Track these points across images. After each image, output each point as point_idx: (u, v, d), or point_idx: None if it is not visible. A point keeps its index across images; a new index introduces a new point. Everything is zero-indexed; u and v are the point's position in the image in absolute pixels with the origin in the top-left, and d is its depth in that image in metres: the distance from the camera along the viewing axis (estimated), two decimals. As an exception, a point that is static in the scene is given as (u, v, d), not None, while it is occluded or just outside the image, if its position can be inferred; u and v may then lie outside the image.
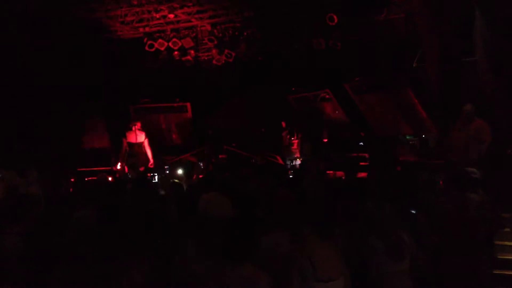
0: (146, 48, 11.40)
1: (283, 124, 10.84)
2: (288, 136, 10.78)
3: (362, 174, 7.69)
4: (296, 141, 10.74)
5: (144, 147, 9.95)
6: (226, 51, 11.51)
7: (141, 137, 10.00)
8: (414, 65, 10.70)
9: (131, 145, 9.89)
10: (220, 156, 10.51)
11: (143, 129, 10.07)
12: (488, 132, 6.71)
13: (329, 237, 3.15)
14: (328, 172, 7.56)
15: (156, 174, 6.85)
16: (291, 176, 6.73)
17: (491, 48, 8.11)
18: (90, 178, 7.94)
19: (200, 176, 6.97)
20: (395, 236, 3.45)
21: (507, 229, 4.72)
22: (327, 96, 11.21)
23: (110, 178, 7.15)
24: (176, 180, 6.02)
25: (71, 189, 6.85)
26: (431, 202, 4.60)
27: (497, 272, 4.63)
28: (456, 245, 4.02)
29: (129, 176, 8.12)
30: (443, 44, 9.43)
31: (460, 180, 4.45)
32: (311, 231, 3.15)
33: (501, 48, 7.76)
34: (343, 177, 7.14)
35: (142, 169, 8.70)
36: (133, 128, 9.82)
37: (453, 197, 4.37)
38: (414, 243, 3.58)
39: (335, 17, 10.00)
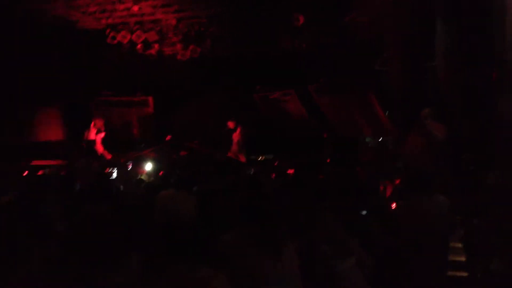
0: (108, 40, 11.11)
1: (230, 124, 10.70)
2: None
3: (322, 176, 7.76)
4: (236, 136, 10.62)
5: (96, 144, 9.90)
6: (191, 46, 11.36)
7: (96, 135, 9.94)
8: (376, 68, 10.91)
9: (88, 142, 9.69)
10: (181, 153, 10.36)
11: (99, 125, 10.02)
12: (444, 135, 6.87)
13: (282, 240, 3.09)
14: (289, 171, 7.56)
15: (115, 169, 6.65)
16: (252, 175, 6.70)
17: (451, 54, 8.35)
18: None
19: (161, 173, 6.85)
20: (340, 238, 3.45)
21: (461, 232, 4.84)
22: (291, 96, 11.25)
23: (62, 173, 6.91)
24: (140, 177, 5.92)
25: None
26: (385, 204, 4.68)
27: (449, 274, 4.74)
28: (413, 246, 4.09)
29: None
30: (405, 49, 9.64)
31: (417, 182, 4.52)
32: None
33: (461, 54, 8.00)
34: (304, 177, 7.15)
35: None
36: (91, 125, 9.65)
37: (410, 199, 4.45)
38: (358, 244, 3.58)
39: (301, 18, 10.04)
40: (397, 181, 6.14)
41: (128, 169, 8.52)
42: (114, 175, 6.55)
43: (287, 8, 10.17)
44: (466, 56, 7.65)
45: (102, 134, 10.27)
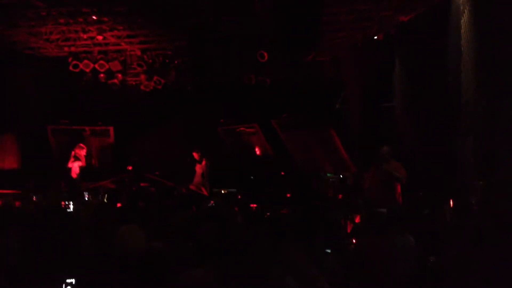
0: (71, 68, 10.95)
1: (195, 155, 10.69)
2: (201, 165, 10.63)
3: (284, 211, 7.78)
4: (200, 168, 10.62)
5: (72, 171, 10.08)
6: (155, 77, 11.34)
7: (72, 163, 10.26)
8: (337, 106, 11.23)
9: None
10: (141, 185, 10.17)
11: (79, 154, 10.37)
12: (404, 174, 7.08)
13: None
14: (251, 206, 7.56)
15: (71, 202, 6.39)
16: (214, 209, 6.64)
17: (407, 95, 8.72)
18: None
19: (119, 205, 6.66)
20: (308, 275, 3.46)
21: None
22: (254, 131, 11.36)
23: (16, 203, 6.61)
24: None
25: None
26: (346, 241, 4.72)
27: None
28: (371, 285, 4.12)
29: None
30: (364, 89, 10.00)
31: (377, 221, 4.59)
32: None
33: (416, 95, 8.36)
34: (267, 212, 7.16)
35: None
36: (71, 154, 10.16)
37: (370, 237, 4.50)
38: (325, 282, 3.60)
39: (265, 54, 10.28)
40: (357, 219, 6.24)
41: (85, 199, 8.26)
42: (71, 207, 6.31)
43: (252, 44, 10.39)
44: (422, 98, 8.00)
45: (80, 163, 10.14)
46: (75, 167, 10.27)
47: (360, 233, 5.12)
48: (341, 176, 10.20)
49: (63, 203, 6.42)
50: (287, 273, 3.37)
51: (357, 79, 10.12)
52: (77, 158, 10.33)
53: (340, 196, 9.30)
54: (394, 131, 9.21)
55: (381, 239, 4.30)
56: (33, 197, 7.50)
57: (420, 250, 4.43)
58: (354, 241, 5.05)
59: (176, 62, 11.14)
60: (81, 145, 10.64)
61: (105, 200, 6.41)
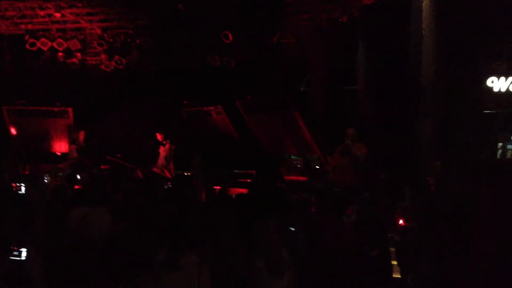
0: (27, 46, 10.52)
1: (159, 136, 10.54)
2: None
3: (245, 190, 7.79)
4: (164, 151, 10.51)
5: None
6: (116, 57, 11.04)
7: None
8: (301, 89, 11.25)
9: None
10: (102, 167, 9.93)
11: (75, 136, 10.27)
12: (365, 153, 7.17)
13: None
14: (214, 187, 7.51)
15: (23, 184, 6.14)
16: (175, 191, 6.55)
17: (370, 78, 8.81)
18: None
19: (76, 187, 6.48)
20: (276, 254, 3.48)
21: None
22: (219, 112, 11.25)
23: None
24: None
25: None
26: (308, 220, 4.77)
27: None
28: (329, 264, 4.18)
29: None
30: (329, 72, 10.04)
31: (330, 201, 4.65)
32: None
33: (379, 78, 8.46)
34: (228, 193, 7.14)
35: None
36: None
37: (325, 218, 4.55)
38: (291, 260, 3.64)
39: (230, 35, 10.15)
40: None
41: (40, 183, 7.98)
42: (23, 190, 6.07)
43: (217, 25, 10.23)
44: (385, 80, 8.10)
45: (75, 146, 10.03)
46: (71, 150, 10.02)
47: (316, 212, 5.18)
48: (305, 158, 10.28)
49: (14, 185, 6.17)
50: (256, 253, 3.38)
51: (321, 61, 10.15)
52: (73, 142, 10.04)
53: (304, 178, 9.37)
54: (357, 113, 9.32)
55: (331, 218, 4.36)
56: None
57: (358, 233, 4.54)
58: (314, 220, 5.10)
59: (138, 41, 10.87)
60: (82, 131, 10.33)
61: (63, 183, 6.20)
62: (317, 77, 10.47)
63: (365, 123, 8.75)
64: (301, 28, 10.40)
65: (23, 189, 6.00)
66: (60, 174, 8.10)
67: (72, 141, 10.22)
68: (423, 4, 6.70)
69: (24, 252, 2.91)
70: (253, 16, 9.09)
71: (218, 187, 7.55)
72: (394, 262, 4.91)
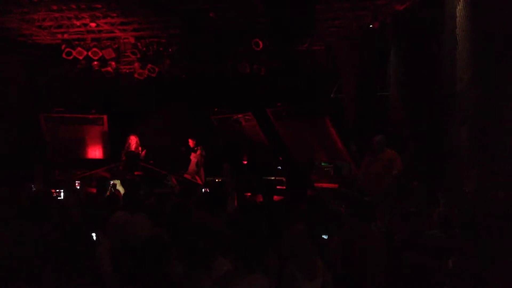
0: (64, 55, 10.84)
1: (191, 142, 10.70)
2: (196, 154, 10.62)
3: (278, 198, 7.78)
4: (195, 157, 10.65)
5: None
6: (149, 65, 11.26)
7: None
8: (332, 96, 11.19)
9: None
10: (135, 173, 10.13)
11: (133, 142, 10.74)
12: (400, 162, 7.08)
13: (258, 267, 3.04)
14: (246, 194, 7.55)
15: (62, 190, 6.34)
16: (208, 197, 6.61)
17: (403, 84, 8.68)
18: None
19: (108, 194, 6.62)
20: (310, 260, 3.49)
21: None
22: (249, 119, 11.32)
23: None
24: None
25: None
26: (339, 228, 4.74)
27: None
28: (361, 272, 4.14)
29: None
30: (359, 78, 9.96)
31: (359, 210, 4.61)
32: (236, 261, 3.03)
33: (411, 84, 8.33)
34: (261, 200, 7.16)
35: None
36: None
37: (356, 226, 4.51)
38: (325, 267, 3.64)
39: (260, 42, 10.21)
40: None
41: (77, 188, 8.20)
42: (62, 195, 6.26)
43: (247, 33, 10.31)
44: (418, 86, 7.97)
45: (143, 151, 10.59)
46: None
47: (347, 221, 5.14)
48: (336, 165, 10.20)
49: (53, 190, 6.37)
50: (290, 261, 3.39)
51: (352, 67, 10.08)
52: (129, 147, 10.39)
53: (335, 185, 9.30)
54: (389, 120, 9.19)
55: (362, 226, 4.33)
56: (30, 185, 7.43)
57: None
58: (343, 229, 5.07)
59: (170, 50, 11.04)
60: (134, 135, 10.80)
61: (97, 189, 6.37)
62: (348, 83, 10.39)
63: (397, 129, 8.63)
64: (331, 34, 10.36)
65: (62, 194, 6.18)
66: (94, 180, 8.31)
67: (128, 147, 10.60)
68: (457, 10, 6.57)
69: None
70: (283, 23, 9.13)
71: (249, 194, 7.59)
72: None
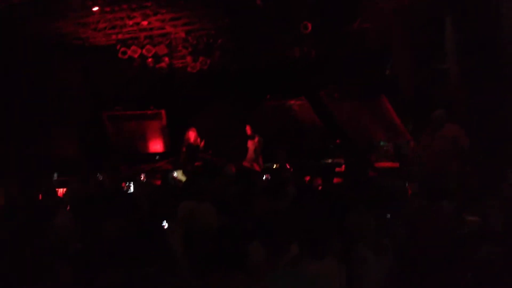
0: (119, 55, 11.24)
1: (248, 130, 10.80)
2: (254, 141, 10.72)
3: (338, 180, 7.75)
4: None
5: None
6: (201, 58, 11.46)
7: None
8: (386, 73, 10.89)
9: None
10: (196, 164, 10.42)
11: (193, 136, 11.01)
12: (465, 137, 6.80)
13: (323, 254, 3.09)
14: (304, 178, 7.56)
15: (131, 183, 6.70)
16: (268, 184, 6.70)
17: (462, 56, 8.31)
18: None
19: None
20: (375, 240, 3.49)
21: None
22: (302, 104, 11.27)
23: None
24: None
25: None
26: (402, 207, 4.68)
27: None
28: (428, 252, 4.06)
29: None
30: (414, 52, 9.63)
31: (431, 189, 4.51)
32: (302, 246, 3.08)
33: (470, 56, 7.96)
34: (320, 184, 7.16)
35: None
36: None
37: (424, 205, 4.42)
38: (390, 247, 3.62)
39: (309, 25, 10.09)
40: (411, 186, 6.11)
41: (143, 181, 8.57)
42: (132, 189, 6.61)
43: (295, 16, 10.22)
44: (478, 56, 7.61)
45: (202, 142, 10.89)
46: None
47: (414, 200, 5.05)
48: (395, 143, 9.96)
49: (123, 184, 6.70)
50: (358, 242, 3.41)
51: (406, 42, 9.76)
52: (188, 141, 10.76)
53: (395, 164, 9.11)
54: (449, 94, 8.84)
55: (432, 206, 4.24)
56: (99, 179, 7.84)
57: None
58: (412, 207, 4.98)
59: (220, 41, 11.18)
60: (192, 129, 11.04)
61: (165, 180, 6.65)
62: (402, 58, 10.09)
63: (457, 104, 8.30)
64: (382, 10, 10.05)
65: (131, 188, 6.49)
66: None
67: (187, 141, 10.90)
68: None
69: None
70: (331, 3, 8.98)
71: (307, 178, 7.60)
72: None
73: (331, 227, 3.49)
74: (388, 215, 4.27)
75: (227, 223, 3.31)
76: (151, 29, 11.08)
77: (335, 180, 7.70)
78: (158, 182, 8.06)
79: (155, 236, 3.17)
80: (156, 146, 12.14)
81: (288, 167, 9.59)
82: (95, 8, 9.43)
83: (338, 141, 10.74)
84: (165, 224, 3.28)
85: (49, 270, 2.92)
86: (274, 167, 10.37)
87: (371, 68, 10.48)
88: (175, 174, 7.33)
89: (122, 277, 2.83)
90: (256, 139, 10.63)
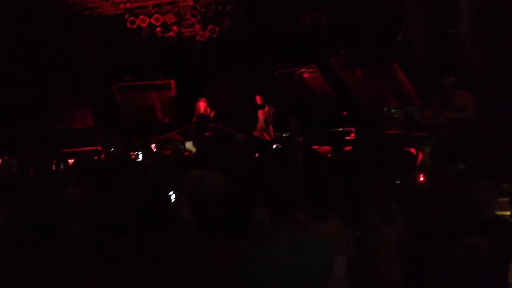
0: (128, 24, 11.17)
1: (258, 99, 10.74)
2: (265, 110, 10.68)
3: (348, 148, 7.72)
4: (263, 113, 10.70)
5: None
6: (210, 26, 11.33)
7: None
8: (399, 38, 10.67)
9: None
10: (206, 134, 10.45)
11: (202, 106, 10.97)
12: (473, 104, 6.72)
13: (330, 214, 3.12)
14: (314, 147, 7.55)
15: (140, 152, 6.76)
16: (279, 152, 6.72)
17: (476, 19, 8.09)
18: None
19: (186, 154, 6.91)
20: (386, 206, 3.51)
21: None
22: (312, 71, 11.15)
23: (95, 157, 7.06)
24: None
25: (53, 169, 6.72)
26: (413, 173, 4.66)
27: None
28: (443, 216, 4.06)
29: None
30: (427, 16, 9.40)
31: (446, 153, 4.48)
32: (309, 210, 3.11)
33: (486, 18, 7.74)
34: (330, 152, 7.15)
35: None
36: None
37: (440, 170, 4.40)
38: (401, 214, 3.63)
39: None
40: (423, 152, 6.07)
41: (153, 151, 8.64)
42: (140, 157, 6.66)
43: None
44: (493, 20, 7.40)
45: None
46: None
47: (427, 165, 5.02)
48: (406, 110, 9.85)
49: (132, 153, 6.76)
50: (368, 208, 3.44)
51: (418, 5, 9.52)
52: (198, 111, 10.80)
53: (407, 131, 9.03)
54: (462, 59, 8.65)
55: (447, 170, 4.21)
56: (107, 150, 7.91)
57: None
58: (422, 174, 4.97)
59: (228, 8, 11.02)
60: (202, 99, 11.00)
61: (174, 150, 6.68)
62: (414, 23, 9.85)
63: (470, 68, 8.12)
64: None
65: (140, 157, 6.55)
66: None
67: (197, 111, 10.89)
68: None
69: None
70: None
71: (317, 146, 7.59)
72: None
73: (337, 190, 3.51)
74: (398, 182, 4.27)
75: (234, 190, 3.33)
76: (159, -3, 10.96)
77: (345, 148, 7.67)
78: (168, 152, 8.12)
79: (165, 204, 3.22)
80: (167, 116, 12.16)
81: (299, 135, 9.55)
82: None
83: (345, 113, 10.65)
84: (172, 194, 3.32)
85: (63, 240, 2.98)
86: (284, 136, 10.37)
87: (382, 34, 10.28)
88: (186, 144, 7.37)
89: (133, 245, 2.88)
90: (266, 109, 10.60)
